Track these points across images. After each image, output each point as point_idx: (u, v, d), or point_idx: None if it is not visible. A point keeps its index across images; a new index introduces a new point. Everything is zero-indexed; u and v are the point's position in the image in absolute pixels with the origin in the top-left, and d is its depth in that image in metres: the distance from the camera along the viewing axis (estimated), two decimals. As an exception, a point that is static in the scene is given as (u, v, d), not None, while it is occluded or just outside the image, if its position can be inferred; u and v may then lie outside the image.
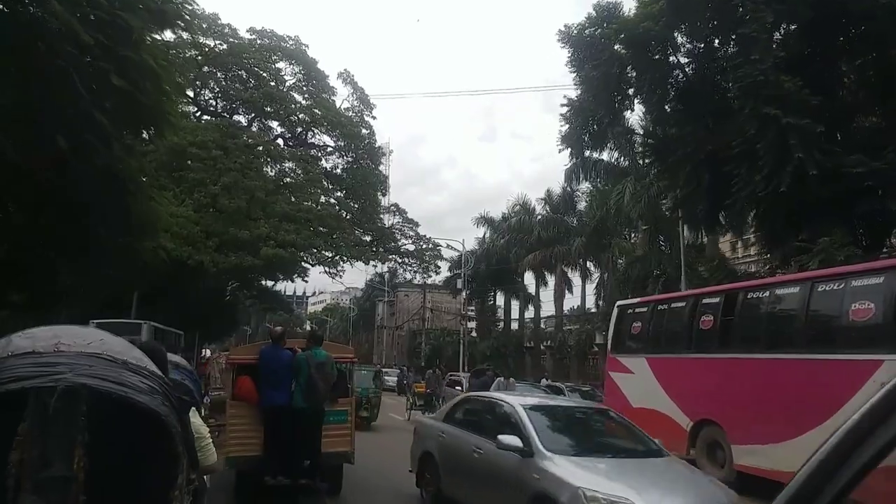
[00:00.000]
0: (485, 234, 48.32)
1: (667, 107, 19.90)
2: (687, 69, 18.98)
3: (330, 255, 32.51)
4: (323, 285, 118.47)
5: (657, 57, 19.01)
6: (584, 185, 39.58)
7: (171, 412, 2.02)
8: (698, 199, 18.46)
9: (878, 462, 1.00)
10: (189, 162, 29.18)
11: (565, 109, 22.03)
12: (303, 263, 33.66)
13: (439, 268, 48.08)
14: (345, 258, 34.22)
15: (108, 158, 10.55)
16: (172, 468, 2.01)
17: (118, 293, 33.05)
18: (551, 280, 45.13)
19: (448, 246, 42.88)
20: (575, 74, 20.52)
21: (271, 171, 34.16)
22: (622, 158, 33.53)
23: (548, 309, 49.00)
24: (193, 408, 3.81)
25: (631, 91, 20.80)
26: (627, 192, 31.18)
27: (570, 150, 22.52)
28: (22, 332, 2.02)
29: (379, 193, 39.84)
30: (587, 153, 27.86)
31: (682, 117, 18.80)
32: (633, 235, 36.60)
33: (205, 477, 4.52)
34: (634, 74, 19.95)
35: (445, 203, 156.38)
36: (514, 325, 53.94)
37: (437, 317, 61.67)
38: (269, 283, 67.19)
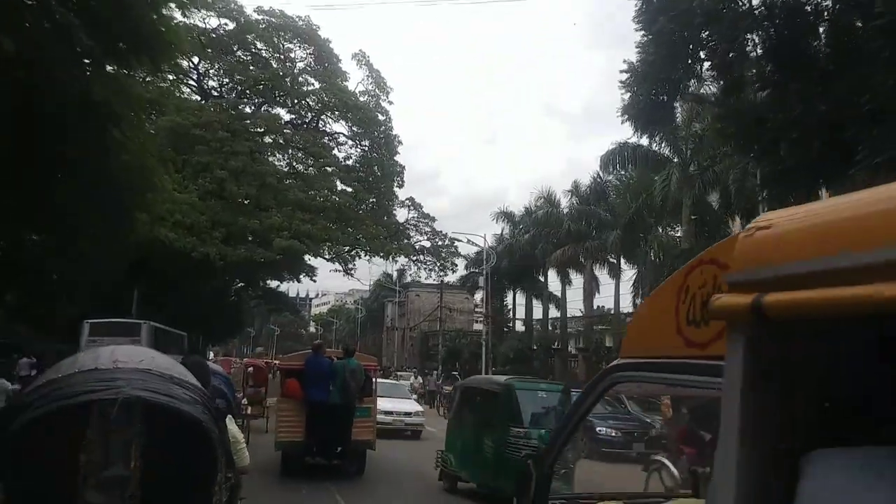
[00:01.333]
0: (502, 230, 45.04)
1: (753, 70, 16.80)
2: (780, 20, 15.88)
3: (347, 248, 29.29)
4: (326, 287, 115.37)
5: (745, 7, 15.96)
6: (611, 176, 36.58)
7: (211, 420, 2.54)
8: (799, 174, 15.35)
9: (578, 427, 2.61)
10: (193, 146, 26.05)
11: (625, 76, 18.92)
12: (318, 257, 30.42)
13: (456, 265, 45.03)
14: (363, 252, 31.12)
15: (85, 83, 7.48)
16: (212, 468, 2.50)
17: (117, 292, 30.06)
18: (575, 278, 42.04)
19: (469, 241, 39.75)
20: (643, 32, 17.42)
21: (282, 160, 31.07)
22: (664, 144, 30.40)
23: (570, 309, 45.90)
24: (230, 416, 4.15)
25: (703, 54, 17.72)
26: (674, 179, 28.05)
27: (631, 123, 19.35)
28: (85, 351, 3.05)
29: (395, 185, 36.65)
30: (632, 138, 24.87)
31: (778, 78, 15.69)
32: (673, 228, 33.50)
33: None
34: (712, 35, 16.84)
35: (443, 206, 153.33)
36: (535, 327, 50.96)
37: (449, 318, 58.51)
38: (275, 284, 64.56)
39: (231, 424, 4.05)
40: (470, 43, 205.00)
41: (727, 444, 1.21)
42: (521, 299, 48.41)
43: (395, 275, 73.59)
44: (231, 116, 27.93)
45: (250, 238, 25.65)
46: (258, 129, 30.08)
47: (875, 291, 0.92)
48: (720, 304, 1.23)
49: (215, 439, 2.50)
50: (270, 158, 29.08)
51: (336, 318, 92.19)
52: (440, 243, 40.87)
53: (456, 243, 41.38)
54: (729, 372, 1.24)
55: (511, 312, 47.52)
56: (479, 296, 51.18)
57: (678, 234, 32.41)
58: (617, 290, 36.47)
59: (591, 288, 37.30)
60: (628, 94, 18.69)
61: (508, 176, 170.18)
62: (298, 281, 57.97)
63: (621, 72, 19.14)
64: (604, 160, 32.20)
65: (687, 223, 30.14)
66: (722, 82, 18.64)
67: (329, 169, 30.42)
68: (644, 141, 32.32)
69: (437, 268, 42.42)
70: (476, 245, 40.68)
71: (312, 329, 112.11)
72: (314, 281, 54.86)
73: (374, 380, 12.24)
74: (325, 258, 31.03)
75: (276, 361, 21.01)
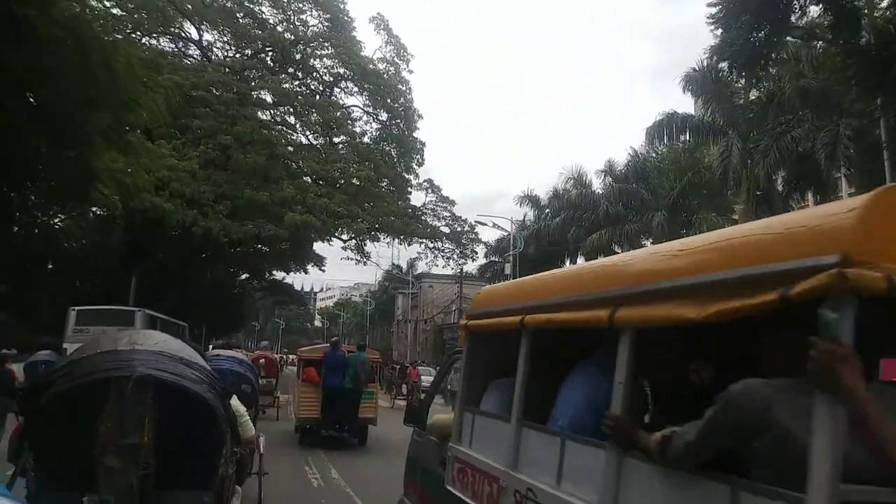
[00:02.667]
0: (524, 216, 41.27)
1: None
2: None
3: (367, 227, 25.56)
4: (331, 281, 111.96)
5: None
6: (655, 149, 33.04)
7: (216, 397, 2.85)
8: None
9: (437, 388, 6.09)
10: (194, 108, 22.46)
11: (714, 10, 15.42)
12: (334, 238, 26.74)
13: (476, 253, 41.52)
14: (383, 234, 27.55)
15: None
16: (218, 441, 2.84)
17: (113, 282, 27.15)
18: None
19: (494, 225, 36.14)
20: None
21: (293, 133, 27.44)
22: (717, 113, 26.85)
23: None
24: (235, 395, 4.33)
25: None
26: (735, 150, 24.45)
27: (726, 64, 15.85)
28: (105, 335, 3.48)
29: (414, 164, 33.01)
30: (686, 110, 21.30)
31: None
32: (724, 208, 29.97)
33: (260, 439, 6.27)
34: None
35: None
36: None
37: (464, 310, 55.10)
38: (280, 277, 61.07)
39: (234, 400, 4.04)
40: (475, 27, 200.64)
41: (465, 376, 4.03)
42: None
43: (404, 266, 70.21)
44: (237, 80, 24.37)
45: (259, 213, 22.10)
46: (266, 99, 26.56)
47: (499, 322, 3.39)
48: (461, 324, 4.19)
49: (220, 416, 2.84)
50: (281, 128, 25.48)
51: (343, 312, 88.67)
52: (459, 229, 37.41)
53: (476, 229, 37.87)
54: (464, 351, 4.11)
55: None
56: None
57: (733, 216, 28.96)
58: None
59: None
60: (719, 30, 15.23)
61: (508, 173, 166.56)
62: (305, 271, 54.48)
63: (709, 5, 15.66)
64: (650, 133, 28.59)
65: (747, 201, 26.61)
66: (832, 14, 15.14)
67: (341, 141, 26.73)
68: (695, 110, 29.00)
69: (455, 255, 39.00)
70: (502, 229, 37.10)
71: (318, 323, 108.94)
72: (323, 270, 51.35)
73: (374, 369, 14.54)
74: (341, 239, 27.43)
75: (293, 356, 21.36)
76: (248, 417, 4.90)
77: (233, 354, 8.12)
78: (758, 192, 25.50)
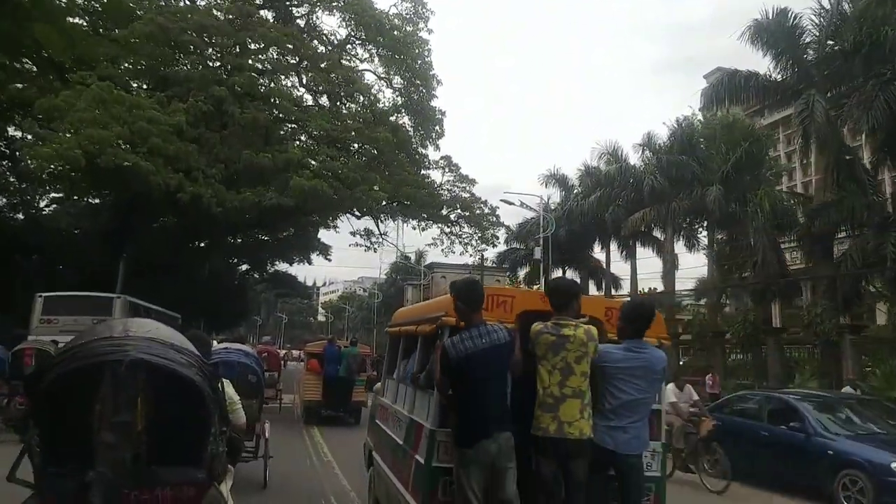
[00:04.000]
0: (547, 198, 37.07)
1: None
2: None
3: (386, 195, 21.21)
4: (334, 275, 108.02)
5: None
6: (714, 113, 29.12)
7: (204, 381, 3.00)
8: None
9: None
10: (182, 55, 18.35)
11: None
12: (347, 212, 22.56)
13: (497, 238, 37.42)
14: (402, 208, 23.48)
15: None
16: (206, 421, 2.99)
17: (100, 270, 24.28)
18: (641, 251, 34.53)
19: (522, 204, 32.06)
20: None
21: (301, 89, 23.30)
22: (790, 69, 22.85)
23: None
24: (228, 381, 4.78)
25: None
26: (819, 108, 20.41)
27: None
28: (102, 323, 3.37)
29: (432, 136, 28.87)
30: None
31: None
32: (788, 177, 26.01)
33: (266, 425, 7.90)
34: None
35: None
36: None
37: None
38: (283, 268, 57.18)
39: (228, 387, 4.45)
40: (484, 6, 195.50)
41: (387, 359, 7.45)
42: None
43: (413, 257, 66.26)
44: (234, 27, 20.26)
45: (259, 178, 18.04)
46: (268, 53, 22.46)
47: (404, 329, 5.87)
48: (386, 330, 8.74)
49: (207, 397, 2.98)
50: (285, 84, 21.31)
51: (348, 305, 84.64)
52: (479, 211, 33.35)
53: (498, 211, 33.74)
54: (387, 346, 7.94)
55: None
56: (520, 274, 43.73)
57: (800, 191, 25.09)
58: (711, 261, 28.84)
59: (675, 257, 29.69)
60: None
61: (515, 160, 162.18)
62: (309, 262, 50.45)
63: None
64: (707, 95, 24.55)
65: (824, 171, 22.63)
66: None
67: (354, 105, 22.57)
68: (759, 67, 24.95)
69: (475, 241, 34.99)
70: (531, 209, 33.03)
71: (321, 318, 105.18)
72: (329, 259, 47.27)
73: (367, 361, 16.86)
74: (355, 215, 23.24)
75: (296, 352, 22.80)
76: (240, 405, 5.03)
77: (240, 347, 8.36)
78: (846, 157, 21.54)
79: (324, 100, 23.35)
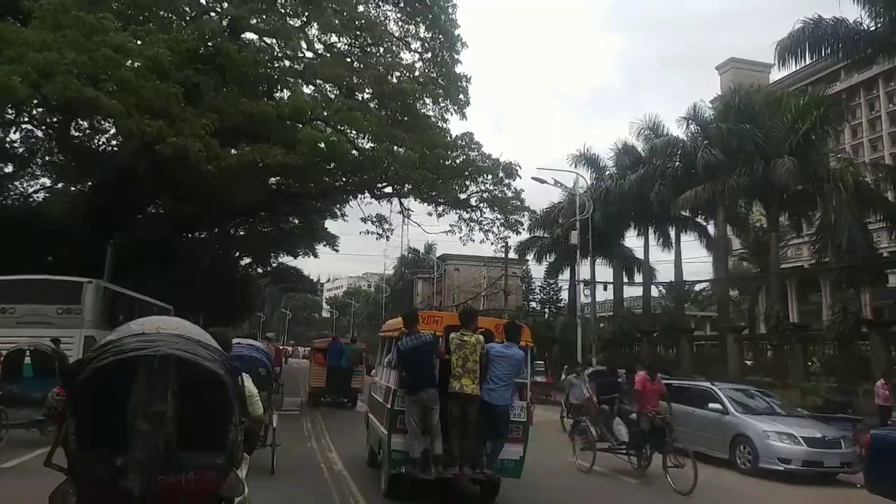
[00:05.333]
0: (575, 181, 33.06)
1: None
2: None
3: (415, 158, 16.87)
4: (337, 272, 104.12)
5: None
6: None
7: (228, 374, 3.20)
8: None
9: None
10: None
11: None
12: (365, 175, 18.41)
13: (521, 224, 33.47)
14: (426, 182, 19.51)
15: None
16: (228, 411, 3.19)
17: (87, 257, 21.28)
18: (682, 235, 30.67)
19: (557, 183, 28.17)
20: None
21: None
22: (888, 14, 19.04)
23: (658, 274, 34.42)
24: (248, 375, 4.90)
25: None
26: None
27: None
28: (136, 321, 3.38)
29: (456, 106, 24.88)
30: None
31: None
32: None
33: (274, 416, 8.58)
34: None
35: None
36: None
37: (495, 296, 47.17)
38: (287, 261, 53.53)
39: (247, 381, 4.58)
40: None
41: (381, 353, 10.20)
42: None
43: (422, 249, 62.49)
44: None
45: (261, 132, 14.22)
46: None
47: (386, 334, 9.47)
48: (379, 334, 12.74)
49: (230, 389, 3.20)
50: (292, 22, 17.32)
51: (354, 301, 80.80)
52: (500, 194, 29.46)
53: (523, 194, 29.84)
54: (381, 344, 10.73)
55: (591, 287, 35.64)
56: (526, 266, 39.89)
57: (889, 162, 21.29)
58: (776, 244, 24.94)
59: (728, 242, 25.86)
60: None
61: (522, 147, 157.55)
62: (314, 255, 46.64)
63: None
64: (782, 49, 20.72)
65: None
66: None
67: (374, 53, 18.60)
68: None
69: (497, 227, 31.12)
70: (566, 188, 29.19)
71: (326, 314, 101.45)
72: (336, 250, 43.28)
73: (364, 356, 19.17)
74: (376, 190, 19.28)
75: (301, 349, 26.35)
76: (259, 398, 5.18)
77: (251, 342, 8.75)
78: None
79: (340, 43, 19.16)
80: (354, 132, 14.69)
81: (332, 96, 15.35)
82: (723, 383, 13.98)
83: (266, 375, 7.88)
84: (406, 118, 17.22)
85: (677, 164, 26.79)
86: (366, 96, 16.68)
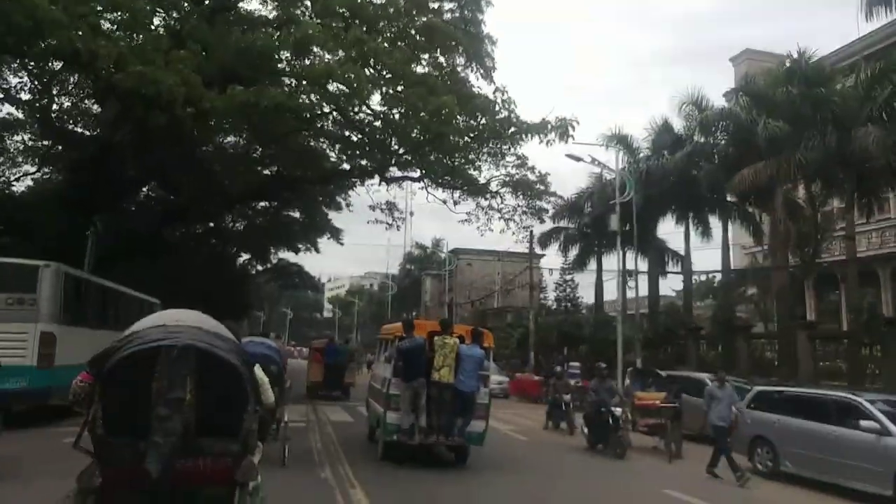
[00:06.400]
0: (616, 155, 29.32)
1: None
2: None
3: (456, 106, 13.02)
4: (338, 272, 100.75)
5: None
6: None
7: (243, 365, 3.39)
8: None
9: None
10: None
11: None
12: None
13: (546, 211, 30.04)
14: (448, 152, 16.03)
15: None
16: (244, 399, 3.34)
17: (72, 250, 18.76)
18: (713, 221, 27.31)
19: (594, 161, 24.75)
20: None
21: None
22: None
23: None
24: (259, 364, 4.81)
25: None
26: None
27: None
28: (157, 314, 3.60)
29: (483, 67, 21.30)
30: None
31: None
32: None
33: (285, 409, 9.09)
34: None
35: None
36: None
37: (510, 293, 43.84)
38: (288, 258, 50.40)
39: (258, 371, 4.46)
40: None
41: (379, 350, 14.59)
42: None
43: (432, 241, 59.14)
44: None
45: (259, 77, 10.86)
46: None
47: (384, 336, 12.55)
48: (378, 337, 16.66)
49: (245, 378, 3.37)
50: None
51: (357, 299, 77.40)
52: (519, 177, 26.19)
53: (548, 178, 26.48)
54: (378, 344, 16.03)
55: (620, 281, 32.04)
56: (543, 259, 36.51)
57: None
58: (851, 223, 21.51)
59: (791, 228, 22.40)
60: None
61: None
62: (316, 250, 43.30)
63: None
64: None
65: None
66: None
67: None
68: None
69: (517, 216, 27.85)
70: (604, 167, 25.79)
71: (328, 314, 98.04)
72: (341, 243, 39.98)
73: (359, 354, 25.41)
74: (390, 158, 15.76)
75: (296, 350, 28.32)
76: (269, 386, 5.09)
77: (262, 341, 9.10)
78: None
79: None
80: (375, 68, 11.24)
81: (345, 26, 11.96)
82: (870, 394, 10.69)
83: (277, 372, 8.20)
84: (435, 64, 13.80)
85: (722, 141, 23.28)
86: (389, 35, 13.24)
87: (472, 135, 13.77)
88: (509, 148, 17.73)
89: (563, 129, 12.75)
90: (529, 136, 13.78)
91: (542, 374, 26.85)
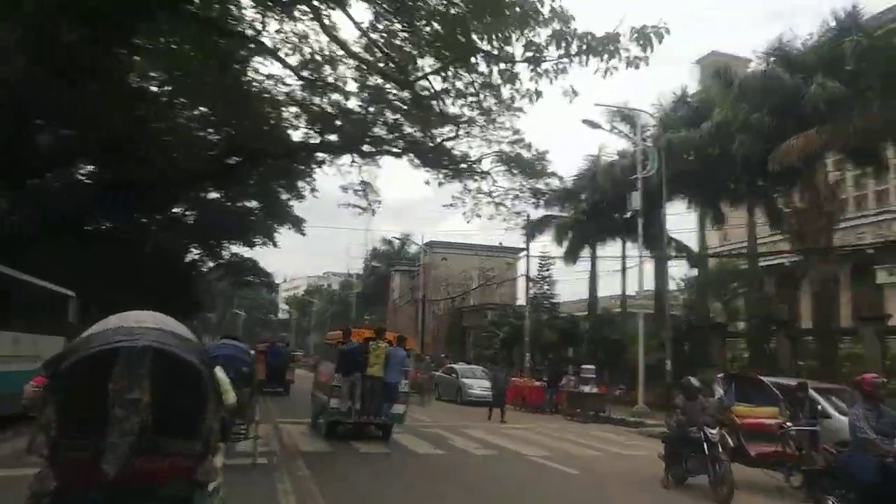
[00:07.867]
0: (639, 123, 25.02)
1: None
2: None
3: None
4: (293, 272, 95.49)
5: None
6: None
7: (203, 365, 3.29)
8: None
9: None
10: None
11: None
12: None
13: (545, 195, 26.48)
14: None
15: None
16: (203, 400, 3.26)
17: None
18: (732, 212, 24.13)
19: (613, 129, 21.24)
20: None
21: None
22: None
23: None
24: (228, 366, 5.45)
25: None
26: None
27: None
28: (117, 315, 3.37)
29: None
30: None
31: None
32: None
33: (256, 407, 9.22)
34: None
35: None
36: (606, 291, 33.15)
37: (491, 290, 40.11)
38: (242, 252, 45.54)
39: (219, 372, 4.38)
40: None
41: (324, 355, 17.88)
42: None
43: (397, 241, 55.00)
44: None
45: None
46: None
47: (329, 342, 15.36)
48: (325, 342, 21.13)
49: (205, 378, 3.28)
50: None
51: (315, 300, 72.51)
52: (514, 154, 23.01)
53: (548, 155, 23.05)
54: (327, 349, 16.71)
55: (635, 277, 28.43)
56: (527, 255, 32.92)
57: None
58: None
59: (838, 207, 19.27)
60: None
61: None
62: (274, 244, 38.62)
63: None
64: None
65: None
66: None
67: None
68: None
69: (509, 200, 24.46)
70: (627, 137, 22.22)
71: (284, 315, 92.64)
72: (303, 234, 35.61)
73: (294, 356, 28.66)
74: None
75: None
76: (231, 387, 4.77)
77: (233, 343, 9.36)
78: None
79: None
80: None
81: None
82: None
83: (249, 373, 8.55)
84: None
85: (754, 115, 19.94)
86: None
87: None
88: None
89: (645, 40, 8.99)
90: (593, 56, 9.87)
91: (543, 378, 23.22)
